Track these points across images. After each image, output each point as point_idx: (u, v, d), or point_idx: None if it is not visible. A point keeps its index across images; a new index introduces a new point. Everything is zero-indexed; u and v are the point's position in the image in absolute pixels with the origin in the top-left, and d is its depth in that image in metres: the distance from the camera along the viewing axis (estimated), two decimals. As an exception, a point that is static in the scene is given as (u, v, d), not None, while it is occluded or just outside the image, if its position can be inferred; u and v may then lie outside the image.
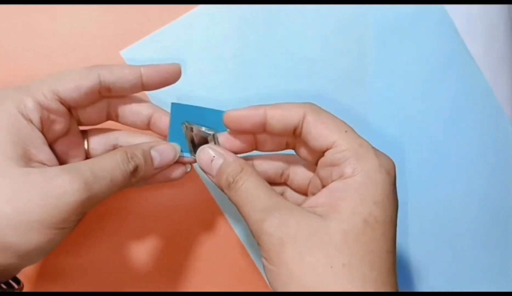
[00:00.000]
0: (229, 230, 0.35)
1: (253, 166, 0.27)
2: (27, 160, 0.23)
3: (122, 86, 0.26)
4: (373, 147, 0.24)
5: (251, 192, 0.24)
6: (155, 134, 0.29)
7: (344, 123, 0.25)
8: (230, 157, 0.26)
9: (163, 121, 0.28)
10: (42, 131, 0.24)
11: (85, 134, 0.28)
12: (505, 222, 0.40)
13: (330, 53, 0.35)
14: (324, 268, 0.21)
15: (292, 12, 0.35)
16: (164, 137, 0.28)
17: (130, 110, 0.28)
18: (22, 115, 0.23)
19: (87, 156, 0.28)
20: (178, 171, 0.28)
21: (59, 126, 0.25)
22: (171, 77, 0.27)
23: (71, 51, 0.32)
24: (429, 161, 0.38)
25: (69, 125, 0.26)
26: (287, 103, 0.25)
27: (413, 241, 0.38)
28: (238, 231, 0.35)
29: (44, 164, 0.24)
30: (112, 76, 0.25)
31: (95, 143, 0.28)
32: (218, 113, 0.26)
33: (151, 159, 0.26)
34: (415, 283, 0.38)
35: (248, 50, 0.34)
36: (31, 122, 0.23)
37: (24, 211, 0.21)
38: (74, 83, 0.24)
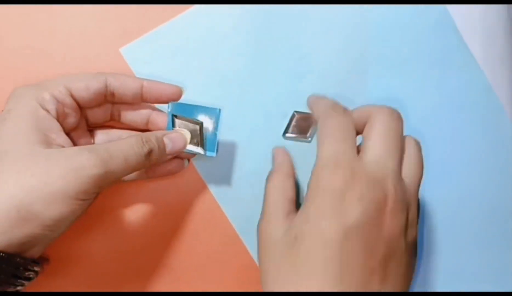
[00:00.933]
0: (228, 226, 0.35)
1: None
2: (48, 143, 0.26)
3: (124, 93, 0.29)
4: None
5: None
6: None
7: None
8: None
9: (160, 119, 0.31)
10: (58, 121, 0.27)
11: (91, 132, 0.32)
12: (505, 221, 0.40)
13: (329, 52, 0.35)
14: None
15: (291, 11, 0.35)
16: None
17: (131, 111, 0.31)
18: (41, 106, 0.26)
19: None
20: (176, 164, 0.32)
21: (71, 119, 0.29)
22: (170, 96, 0.30)
23: (71, 50, 0.32)
24: (428, 159, 0.38)
25: (79, 121, 0.29)
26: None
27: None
28: (238, 229, 0.35)
29: (62, 145, 0.27)
30: (116, 82, 0.29)
31: (100, 139, 0.32)
32: (211, 110, 0.30)
33: (164, 144, 0.28)
34: (415, 282, 0.38)
35: (246, 48, 0.34)
36: (49, 112, 0.27)
37: (48, 183, 0.23)
38: (85, 83, 0.28)
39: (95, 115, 0.30)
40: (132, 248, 0.34)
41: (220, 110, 0.30)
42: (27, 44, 0.32)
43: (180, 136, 0.29)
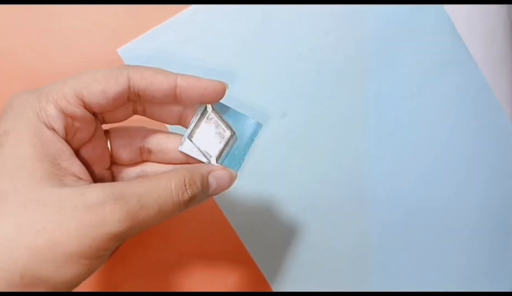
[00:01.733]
0: (228, 226, 0.35)
1: None
2: (58, 177, 0.20)
3: (153, 95, 0.22)
4: None
5: None
6: (184, 128, 0.25)
7: None
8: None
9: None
10: (67, 140, 0.21)
11: (107, 133, 0.25)
12: (503, 220, 0.40)
13: (327, 51, 0.35)
14: None
15: (288, 11, 0.35)
16: None
17: (161, 107, 0.24)
18: (45, 124, 0.20)
19: (112, 159, 0.25)
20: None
21: (84, 133, 0.22)
22: (211, 95, 0.23)
23: (69, 50, 0.32)
24: (427, 160, 0.38)
25: (95, 130, 0.23)
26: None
27: (411, 240, 0.38)
28: (237, 229, 0.35)
29: (77, 176, 0.21)
30: (143, 82, 0.22)
31: (119, 145, 0.25)
32: (251, 123, 0.25)
33: (208, 186, 0.23)
34: (414, 282, 0.38)
35: (244, 47, 0.34)
36: (55, 131, 0.20)
37: (60, 243, 0.18)
38: (101, 87, 0.21)
39: (114, 114, 0.24)
40: (132, 248, 0.34)
41: (261, 125, 0.25)
42: (25, 44, 0.32)
43: (228, 175, 0.23)
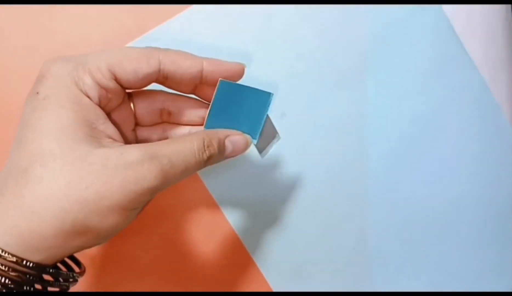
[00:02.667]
0: (227, 227, 0.35)
1: None
2: (97, 138, 0.22)
3: (181, 78, 0.25)
4: None
5: None
6: (200, 99, 0.28)
7: None
8: None
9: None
10: (100, 107, 0.23)
11: (130, 97, 0.27)
12: (502, 220, 0.40)
13: (327, 52, 0.36)
14: None
15: (289, 11, 0.35)
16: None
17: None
18: (82, 92, 0.22)
19: (135, 121, 0.27)
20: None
21: (114, 102, 0.25)
22: (232, 76, 0.26)
23: (70, 50, 0.32)
24: (425, 160, 0.38)
25: (123, 98, 0.26)
26: None
27: (410, 239, 0.38)
28: (237, 229, 0.35)
29: (112, 139, 0.23)
30: (173, 67, 0.24)
31: (141, 107, 0.27)
32: (262, 94, 0.27)
33: (224, 148, 0.25)
34: (414, 282, 0.38)
35: (244, 47, 0.34)
36: (91, 100, 0.23)
37: (105, 196, 0.21)
38: (133, 67, 0.23)
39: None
40: (131, 248, 0.34)
41: (272, 94, 0.27)
42: (27, 44, 0.32)
43: (243, 139, 0.26)
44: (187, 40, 0.34)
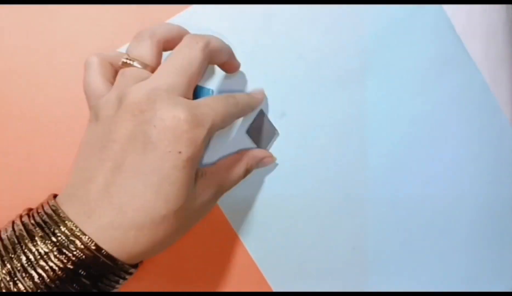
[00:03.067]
0: (227, 227, 0.35)
1: None
2: None
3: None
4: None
5: None
6: None
7: None
8: None
9: None
10: None
11: None
12: (502, 220, 0.40)
13: (326, 52, 0.36)
14: None
15: (289, 11, 0.35)
16: None
17: None
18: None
19: None
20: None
21: None
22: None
23: (69, 50, 0.32)
24: (426, 160, 0.38)
25: None
26: None
27: (410, 239, 0.38)
28: (237, 229, 0.35)
29: None
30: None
31: None
32: (205, 91, 0.31)
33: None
34: (413, 282, 0.38)
35: (244, 48, 0.34)
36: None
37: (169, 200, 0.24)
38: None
39: None
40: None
41: (212, 91, 0.30)
42: (26, 44, 0.32)
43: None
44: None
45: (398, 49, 0.37)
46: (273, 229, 0.36)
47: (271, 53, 0.35)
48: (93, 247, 0.22)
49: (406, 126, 0.37)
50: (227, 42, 0.33)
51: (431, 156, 0.38)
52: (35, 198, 0.27)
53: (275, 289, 0.36)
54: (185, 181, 0.23)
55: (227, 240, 0.35)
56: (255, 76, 0.35)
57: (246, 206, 0.35)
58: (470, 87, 0.38)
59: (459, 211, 0.39)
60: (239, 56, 0.34)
